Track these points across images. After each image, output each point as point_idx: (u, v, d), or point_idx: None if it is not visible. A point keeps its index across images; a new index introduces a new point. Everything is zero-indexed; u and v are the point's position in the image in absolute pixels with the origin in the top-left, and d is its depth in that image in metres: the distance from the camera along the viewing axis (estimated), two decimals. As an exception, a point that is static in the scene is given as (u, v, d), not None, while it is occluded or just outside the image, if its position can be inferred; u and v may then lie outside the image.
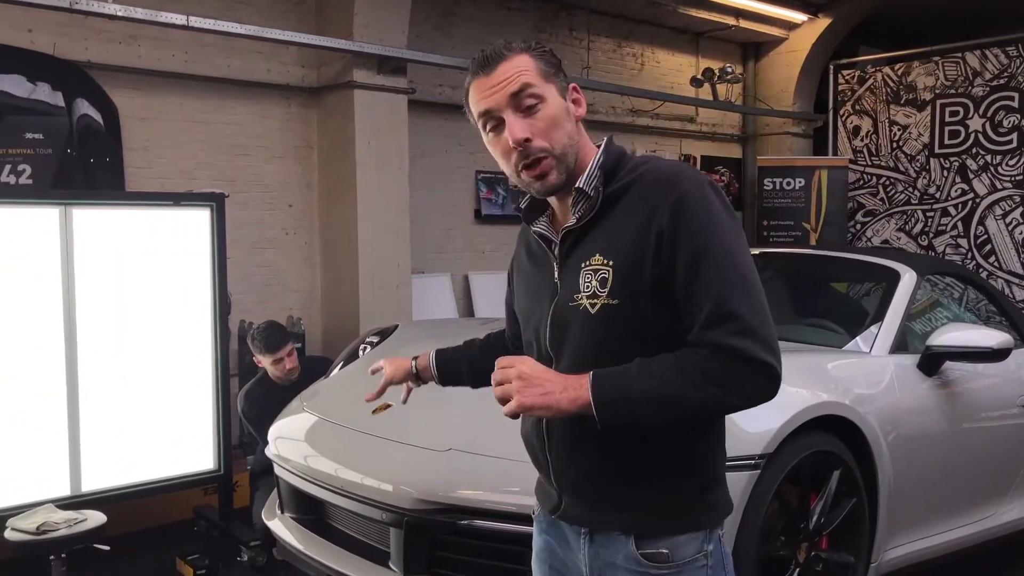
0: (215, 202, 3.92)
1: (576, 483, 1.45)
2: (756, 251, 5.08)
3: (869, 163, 7.94)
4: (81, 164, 4.56)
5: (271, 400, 3.84)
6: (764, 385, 1.30)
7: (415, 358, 1.83)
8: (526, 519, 2.26)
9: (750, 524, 2.36)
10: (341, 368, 3.57)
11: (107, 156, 4.65)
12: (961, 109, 7.52)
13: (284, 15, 5.31)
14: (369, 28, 5.19)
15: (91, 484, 3.49)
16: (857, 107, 8.03)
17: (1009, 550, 3.78)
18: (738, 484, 2.33)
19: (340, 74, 5.30)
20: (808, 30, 8.09)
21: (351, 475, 2.61)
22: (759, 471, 2.37)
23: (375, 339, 3.62)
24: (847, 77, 8.08)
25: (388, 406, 2.82)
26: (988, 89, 7.40)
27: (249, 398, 4.11)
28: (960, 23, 7.72)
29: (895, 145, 7.80)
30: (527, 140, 1.36)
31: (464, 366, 1.82)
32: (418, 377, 1.83)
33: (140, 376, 3.63)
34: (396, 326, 3.75)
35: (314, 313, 5.59)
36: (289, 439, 2.95)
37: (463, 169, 6.48)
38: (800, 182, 7.64)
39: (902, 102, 7.82)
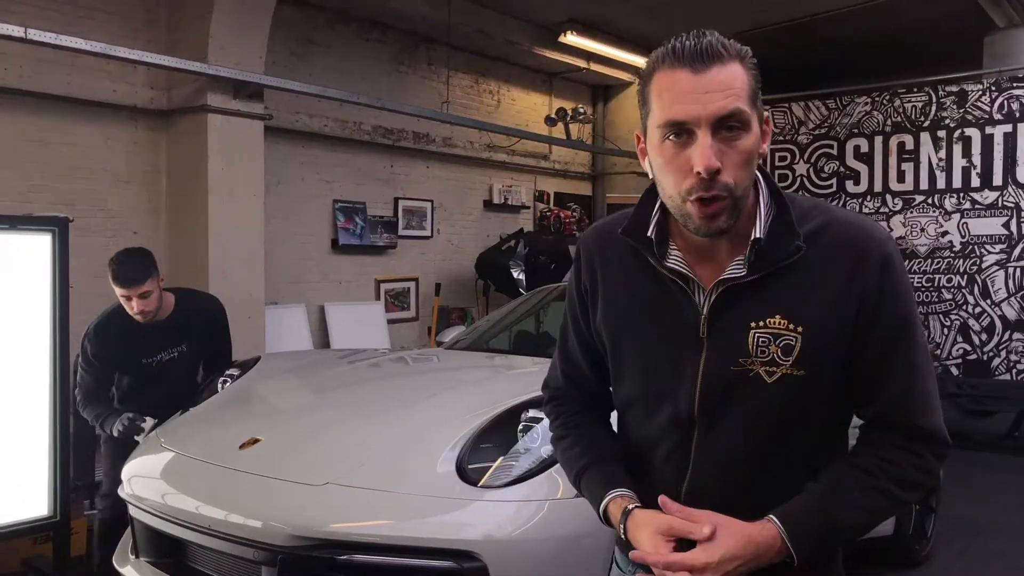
0: (57, 227, 3.66)
1: None
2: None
3: (708, 202, 8.44)
4: None
5: (124, 342, 3.44)
6: (938, 470, 1.26)
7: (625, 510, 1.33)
8: (408, 551, 2.25)
9: (624, 546, 2.43)
10: (199, 402, 3.39)
11: (-72, 175, 4.26)
12: (788, 155, 8.17)
13: (133, 33, 5.07)
14: (225, 51, 5.04)
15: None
16: (697, 150, 8.53)
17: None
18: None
19: (193, 97, 5.10)
20: (652, 76, 8.55)
21: (217, 512, 2.48)
22: (632, 494, 2.45)
23: (235, 372, 3.48)
24: (688, 121, 8.58)
25: (257, 440, 2.72)
26: (811, 137, 8.08)
27: (98, 337, 3.47)
28: (785, 78, 8.38)
29: (731, 186, 8.34)
30: (717, 171, 1.14)
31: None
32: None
33: (-35, 413, 3.31)
34: (258, 358, 3.62)
35: (160, 346, 5.30)
36: (145, 477, 2.78)
37: (320, 197, 6.38)
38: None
39: (737, 146, 8.37)
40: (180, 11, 5.15)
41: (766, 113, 1.22)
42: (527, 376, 3.33)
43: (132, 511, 2.79)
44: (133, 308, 3.35)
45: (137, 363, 3.53)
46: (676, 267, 1.25)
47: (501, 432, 2.51)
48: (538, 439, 2.46)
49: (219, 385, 3.39)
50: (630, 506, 1.29)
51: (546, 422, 2.44)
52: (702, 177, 1.14)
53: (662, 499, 1.24)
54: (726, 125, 1.14)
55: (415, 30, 6.85)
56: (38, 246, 3.61)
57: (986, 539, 4.65)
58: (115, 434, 3.37)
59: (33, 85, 4.67)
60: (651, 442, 1.34)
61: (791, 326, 1.20)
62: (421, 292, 7.12)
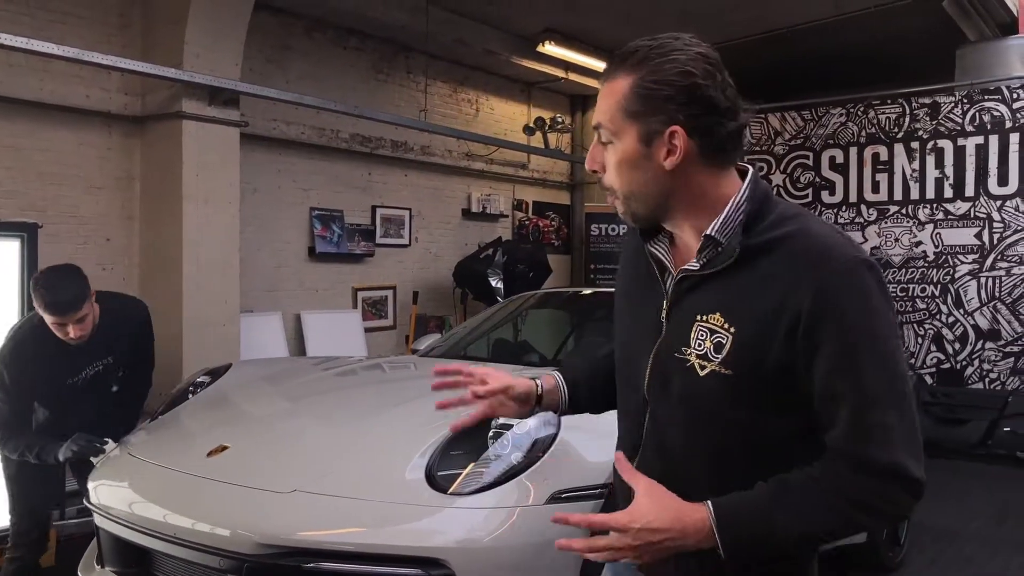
0: (26, 232, 3.64)
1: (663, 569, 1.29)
2: (589, 290, 5.30)
3: (686, 212, 8.49)
4: None
5: (46, 363, 3.09)
6: (909, 504, 1.18)
7: (535, 378, 1.54)
8: (376, 559, 2.23)
9: (594, 553, 2.42)
10: (166, 408, 3.35)
11: None
12: (765, 165, 8.23)
13: (107, 38, 5.03)
14: (200, 58, 5.01)
15: None
16: (675, 160, 8.58)
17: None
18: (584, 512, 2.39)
19: (168, 103, 5.06)
20: (631, 86, 8.59)
21: (184, 521, 2.45)
22: (604, 500, 2.45)
23: (206, 379, 3.44)
24: (666, 131, 8.63)
25: (225, 448, 2.70)
26: (787, 148, 8.15)
27: (16, 362, 3.08)
28: (762, 89, 8.46)
29: (708, 196, 8.39)
30: (594, 171, 1.29)
31: (598, 393, 1.57)
32: (538, 403, 1.53)
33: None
34: (229, 365, 3.59)
35: (132, 354, 5.24)
36: (111, 485, 2.74)
37: (297, 205, 6.35)
38: (624, 228, 8.04)
39: (714, 157, 8.44)
40: (154, 16, 5.12)
41: (675, 128, 1.22)
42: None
43: (97, 520, 2.75)
44: (69, 334, 3.04)
45: (61, 385, 3.20)
46: (655, 252, 1.34)
47: (471, 439, 2.49)
48: (508, 446, 2.45)
49: (188, 392, 3.35)
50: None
51: (516, 428, 2.46)
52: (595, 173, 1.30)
53: (617, 455, 1.28)
54: (600, 138, 1.28)
55: (393, 38, 6.85)
56: (6, 251, 3.59)
57: (959, 546, 4.68)
58: (61, 459, 3.06)
59: (4, 90, 4.61)
60: (621, 410, 1.44)
61: (726, 325, 1.22)
62: (399, 300, 7.09)
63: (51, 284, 2.99)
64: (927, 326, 7.53)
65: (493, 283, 6.79)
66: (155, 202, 5.19)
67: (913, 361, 7.59)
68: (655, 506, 1.18)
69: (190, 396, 3.34)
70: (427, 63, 7.10)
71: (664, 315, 1.29)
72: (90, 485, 2.83)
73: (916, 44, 7.55)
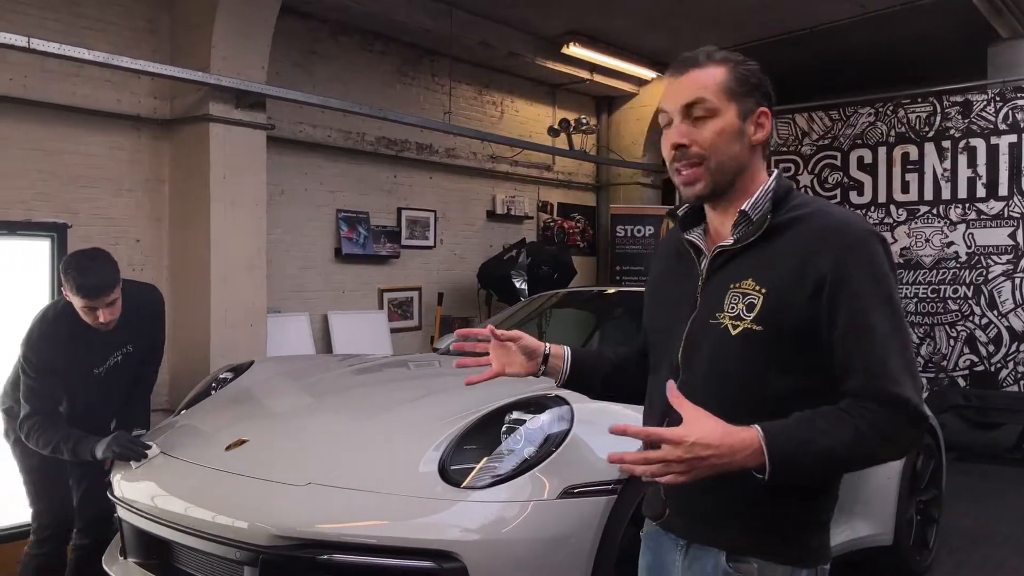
0: (56, 232, 3.72)
1: (686, 497, 1.44)
2: (612, 289, 5.29)
3: (712, 213, 8.45)
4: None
5: (73, 351, 3.03)
6: (917, 437, 1.33)
7: (547, 344, 1.67)
8: (388, 551, 2.26)
9: (608, 547, 2.42)
10: (190, 404, 3.41)
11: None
12: (792, 165, 8.15)
13: (137, 43, 5.13)
14: (227, 61, 5.09)
15: None
16: (701, 160, 8.54)
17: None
18: (595, 509, 2.40)
19: (195, 107, 5.15)
20: (657, 87, 8.57)
21: (203, 513, 2.50)
22: (616, 496, 2.45)
23: (228, 375, 3.50)
24: (692, 132, 8.59)
25: (244, 441, 2.74)
26: (815, 148, 8.07)
27: (50, 346, 3.01)
28: (789, 89, 8.38)
29: (735, 197, 8.34)
30: (681, 146, 1.42)
31: (597, 376, 1.72)
32: (544, 363, 1.66)
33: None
34: (251, 362, 3.64)
35: (161, 353, 5.33)
36: (134, 479, 2.79)
37: (324, 208, 6.42)
38: (650, 229, 8.03)
39: (741, 157, 8.39)
40: (182, 21, 5.21)
41: (763, 109, 1.47)
42: (515, 380, 3.34)
43: (120, 512, 2.81)
44: (99, 318, 2.97)
45: (87, 375, 3.13)
46: (691, 239, 1.52)
47: (485, 434, 2.51)
48: (521, 440, 2.46)
49: (211, 388, 3.41)
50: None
51: (529, 423, 2.47)
52: (675, 152, 1.44)
53: (669, 383, 1.35)
54: (693, 113, 1.43)
55: (418, 42, 6.90)
56: (37, 251, 3.67)
57: (988, 550, 4.60)
58: (100, 457, 2.94)
59: (37, 95, 4.72)
60: (652, 390, 1.56)
61: (757, 287, 1.39)
62: (424, 301, 7.13)
63: (83, 267, 2.93)
64: (959, 328, 7.41)
65: (517, 284, 6.81)
66: (183, 204, 5.28)
67: (945, 364, 7.48)
68: (706, 424, 1.28)
69: (213, 392, 3.39)
70: (451, 66, 7.15)
71: (699, 291, 1.47)
72: (114, 479, 2.89)
73: (946, 42, 7.45)
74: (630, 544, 2.56)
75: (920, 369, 7.33)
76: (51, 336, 3.02)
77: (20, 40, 4.21)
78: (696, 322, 1.45)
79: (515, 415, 2.53)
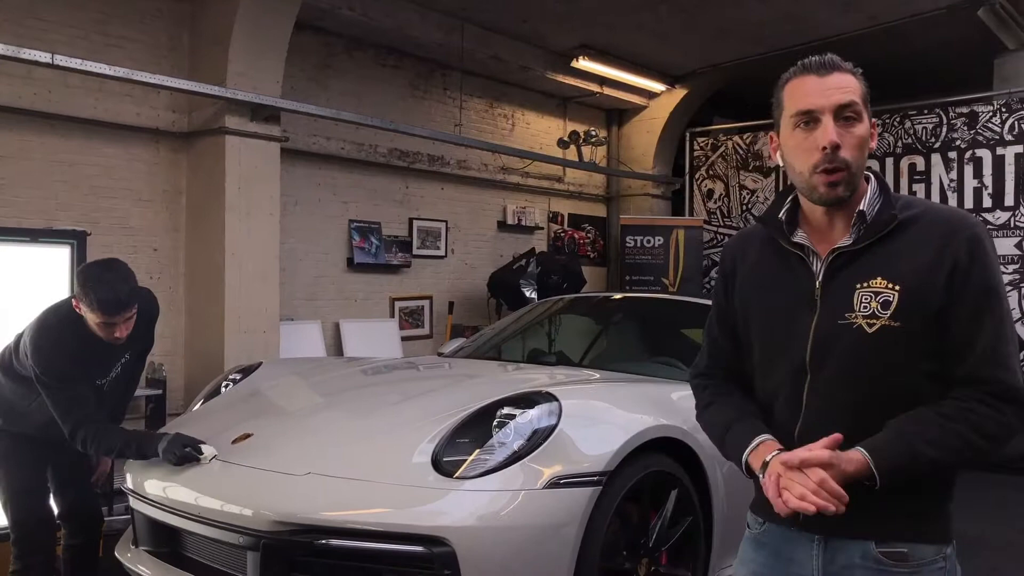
0: (75, 240, 3.89)
1: None
2: (619, 295, 5.40)
3: (722, 223, 8.53)
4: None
5: (80, 363, 2.92)
6: (1017, 430, 1.41)
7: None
8: (381, 536, 2.38)
9: (593, 537, 2.53)
10: (204, 403, 3.57)
11: (-42, 193, 4.50)
12: (801, 176, 8.24)
13: (157, 59, 5.33)
14: (243, 76, 5.27)
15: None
16: (711, 172, 8.64)
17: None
18: (581, 499, 2.50)
19: (212, 120, 5.33)
20: (666, 99, 8.70)
21: (210, 502, 2.63)
22: (601, 487, 2.55)
23: (238, 376, 3.65)
24: (701, 144, 8.70)
25: (249, 435, 2.87)
26: (823, 159, 8.15)
27: (62, 355, 2.87)
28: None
29: (744, 207, 8.42)
30: (837, 147, 1.44)
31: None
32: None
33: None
34: (260, 363, 3.78)
35: (176, 359, 5.50)
36: (146, 471, 2.93)
37: (336, 218, 6.58)
38: (659, 240, 8.12)
39: (750, 168, 8.49)
40: (201, 37, 5.41)
41: (875, 120, 1.53)
42: (507, 378, 3.46)
43: (132, 502, 2.95)
44: (115, 334, 2.86)
45: (91, 388, 3.03)
46: (799, 241, 1.54)
47: (477, 428, 2.63)
48: (511, 434, 2.57)
49: (221, 387, 3.56)
50: (775, 450, 1.49)
51: (519, 418, 2.58)
52: (826, 152, 1.44)
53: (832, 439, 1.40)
54: (844, 114, 1.46)
55: (430, 56, 7.07)
56: (58, 258, 3.84)
57: (986, 556, 4.62)
58: (161, 457, 2.84)
59: (61, 109, 4.92)
60: (770, 394, 1.58)
61: (890, 285, 1.44)
62: (435, 310, 7.27)
63: (104, 280, 2.79)
64: (967, 337, 7.44)
65: (527, 293, 6.92)
66: (200, 214, 5.46)
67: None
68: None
69: (222, 391, 3.54)
70: (463, 79, 7.30)
71: (818, 293, 1.49)
72: (127, 471, 3.03)
73: (953, 54, 7.51)
74: (615, 535, 2.67)
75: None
76: (62, 346, 2.89)
77: (44, 56, 4.40)
78: (821, 322, 1.47)
79: (506, 410, 2.64)
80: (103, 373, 3.08)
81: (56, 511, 3.19)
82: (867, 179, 1.53)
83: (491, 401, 2.70)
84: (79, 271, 2.94)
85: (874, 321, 1.44)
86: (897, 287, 1.44)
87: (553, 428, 2.57)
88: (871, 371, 1.44)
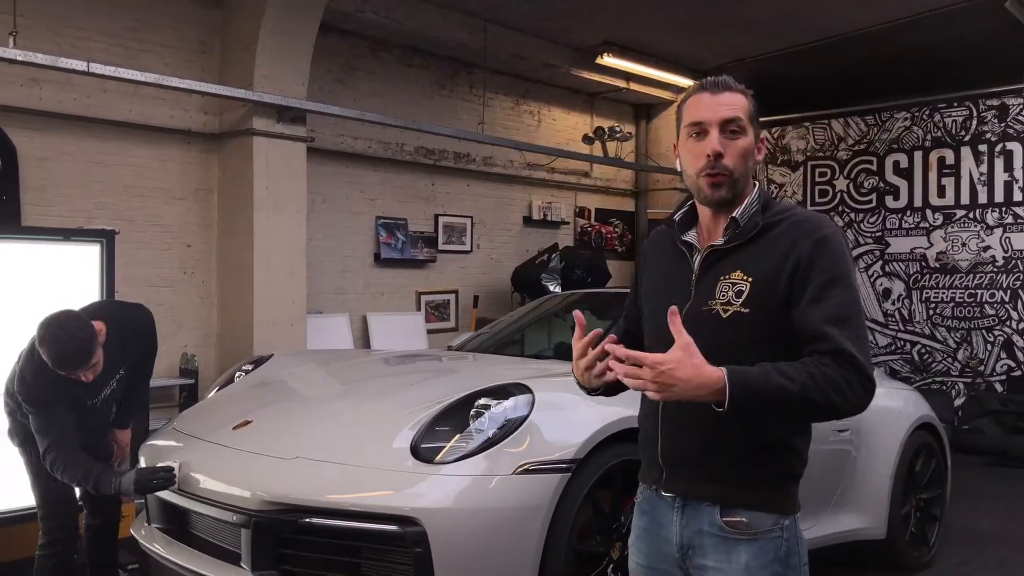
0: (105, 238, 4.14)
1: (680, 458, 1.68)
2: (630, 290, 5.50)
3: (749, 218, 8.54)
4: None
5: (64, 387, 3.03)
6: (865, 399, 1.55)
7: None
8: (360, 516, 2.56)
9: (561, 520, 2.67)
10: (218, 391, 3.80)
11: (3, 195, 4.80)
12: (828, 170, 8.21)
13: (188, 64, 5.59)
14: (270, 79, 5.51)
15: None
16: (739, 166, 8.64)
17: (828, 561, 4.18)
18: (550, 485, 2.65)
19: (241, 121, 5.58)
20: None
21: (211, 484, 2.85)
22: (570, 474, 2.70)
23: (249, 367, 3.87)
24: (729, 138, 8.70)
25: (248, 422, 3.09)
26: (851, 153, 8.11)
27: (40, 384, 3.00)
28: (824, 94, 8.43)
29: (772, 202, 8.43)
30: (720, 155, 1.65)
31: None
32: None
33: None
34: (271, 355, 4.00)
35: (209, 351, 5.78)
36: (157, 454, 3.17)
37: (363, 215, 6.80)
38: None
39: (779, 162, 8.48)
40: (230, 42, 5.65)
41: (764, 134, 1.73)
42: (488, 371, 3.62)
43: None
44: (82, 379, 3.00)
45: (81, 408, 3.16)
46: (687, 239, 1.76)
47: (456, 417, 2.79)
48: (486, 423, 2.73)
49: (234, 377, 3.78)
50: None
51: (494, 408, 2.75)
52: (710, 159, 1.66)
53: (672, 308, 1.54)
54: (729, 128, 1.67)
55: (455, 56, 7.23)
56: (89, 256, 4.10)
57: (994, 549, 4.65)
58: (120, 491, 2.99)
59: (98, 113, 5.22)
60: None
61: (745, 277, 1.65)
62: (461, 304, 7.46)
63: (57, 339, 2.89)
64: (996, 332, 7.36)
65: (549, 287, 7.05)
66: (230, 212, 5.72)
67: (983, 369, 7.43)
68: (684, 359, 1.49)
69: (235, 380, 3.77)
70: (487, 78, 7.45)
71: (693, 282, 1.70)
72: (140, 455, 3.27)
73: (982, 46, 7.41)
74: (587, 520, 2.82)
75: (957, 374, 7.34)
76: (41, 375, 2.99)
77: (80, 64, 4.69)
78: (691, 309, 1.66)
79: (483, 400, 2.80)
80: (93, 395, 3.20)
81: (77, 492, 3.38)
82: (755, 187, 1.74)
83: (470, 392, 2.86)
84: (39, 325, 2.97)
85: (728, 307, 1.64)
86: (750, 279, 1.64)
87: (525, 418, 2.72)
88: (727, 351, 1.57)
